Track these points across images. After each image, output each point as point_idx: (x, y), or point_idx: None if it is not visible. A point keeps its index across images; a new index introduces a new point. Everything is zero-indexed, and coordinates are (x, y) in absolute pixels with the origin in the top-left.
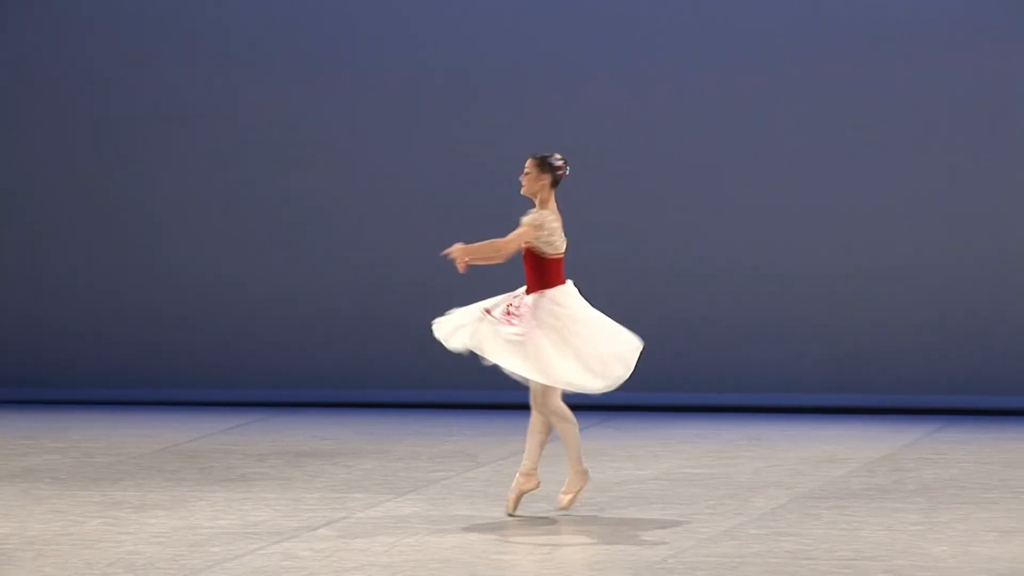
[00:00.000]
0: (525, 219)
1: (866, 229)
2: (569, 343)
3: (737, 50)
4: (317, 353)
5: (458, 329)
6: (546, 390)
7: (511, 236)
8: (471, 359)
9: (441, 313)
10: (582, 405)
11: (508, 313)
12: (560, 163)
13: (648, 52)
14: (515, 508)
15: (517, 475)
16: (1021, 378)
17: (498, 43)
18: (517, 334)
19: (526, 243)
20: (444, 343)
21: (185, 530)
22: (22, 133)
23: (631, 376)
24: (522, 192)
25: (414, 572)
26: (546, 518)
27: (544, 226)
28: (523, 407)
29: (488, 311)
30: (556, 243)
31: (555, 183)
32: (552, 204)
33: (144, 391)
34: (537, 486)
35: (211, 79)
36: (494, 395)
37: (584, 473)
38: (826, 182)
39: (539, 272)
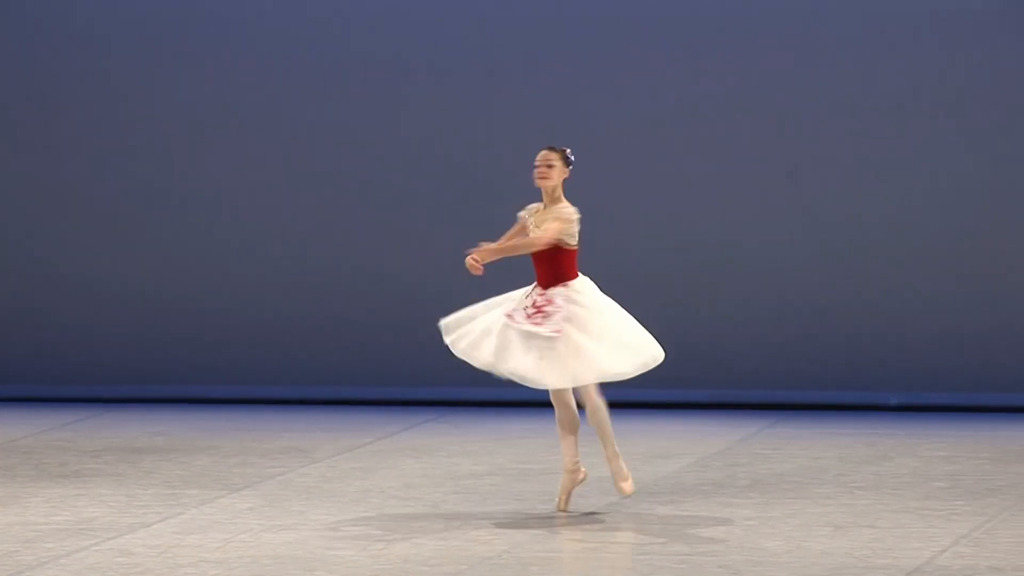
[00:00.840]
0: (560, 214)
1: (704, 222)
2: (602, 332)
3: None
4: (152, 348)
5: (481, 341)
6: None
7: (550, 232)
8: (299, 352)
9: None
10: (419, 401)
11: (537, 311)
12: (571, 156)
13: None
14: (566, 505)
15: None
16: (854, 373)
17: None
18: (553, 331)
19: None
20: (466, 358)
21: (20, 526)
22: None
23: (469, 371)
24: (544, 184)
25: (248, 568)
26: (381, 515)
27: (575, 220)
28: (362, 403)
29: (510, 316)
30: (576, 235)
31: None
32: (563, 197)
33: None
34: (585, 477)
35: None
36: (329, 391)
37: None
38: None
39: (557, 266)
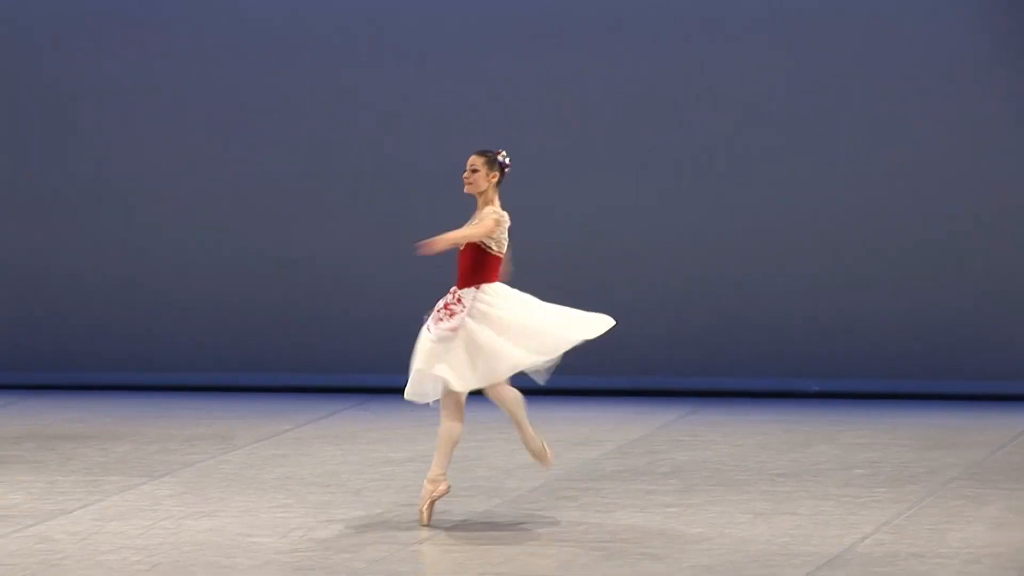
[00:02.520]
0: (489, 213)
1: (619, 206)
2: (506, 327)
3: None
4: (69, 333)
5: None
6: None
7: (480, 227)
8: (220, 339)
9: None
10: (339, 388)
11: (446, 309)
12: (507, 160)
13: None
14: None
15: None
16: (774, 359)
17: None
18: (450, 328)
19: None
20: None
21: None
22: None
23: (389, 358)
24: (468, 191)
25: (169, 555)
26: (301, 502)
27: (503, 224)
28: (282, 390)
29: (427, 327)
30: (503, 242)
31: (500, 180)
32: (498, 202)
33: None
34: (447, 490)
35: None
36: (250, 378)
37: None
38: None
39: (478, 268)
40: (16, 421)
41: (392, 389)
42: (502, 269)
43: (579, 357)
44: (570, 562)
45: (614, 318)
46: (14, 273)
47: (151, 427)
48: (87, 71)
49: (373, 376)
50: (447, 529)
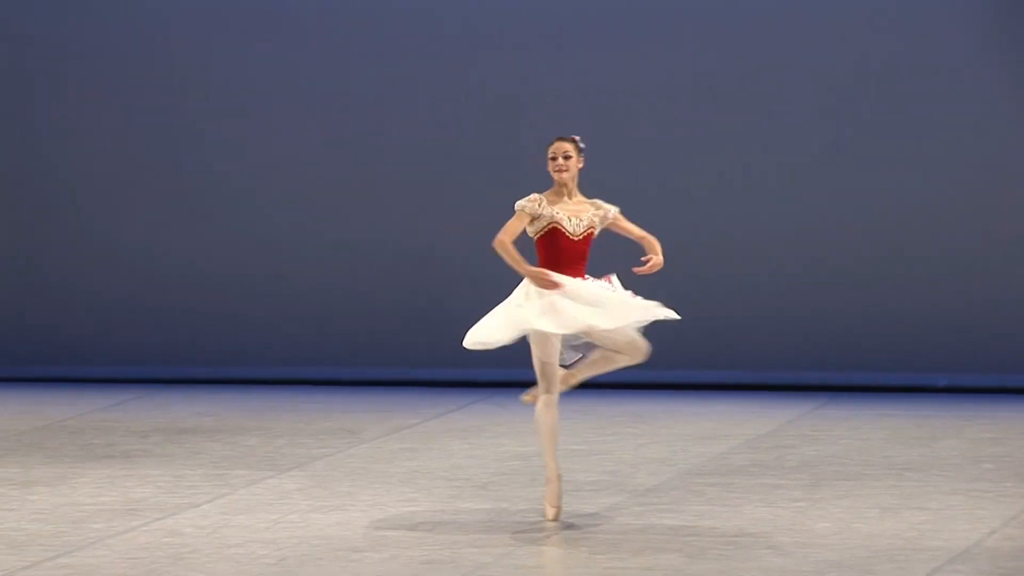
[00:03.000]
0: (606, 205)
1: (735, 202)
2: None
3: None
4: (199, 328)
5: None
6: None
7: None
8: (348, 333)
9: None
10: (461, 381)
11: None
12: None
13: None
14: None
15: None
16: (902, 355)
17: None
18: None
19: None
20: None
21: (67, 507)
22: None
23: (516, 352)
24: (563, 177)
25: (296, 548)
26: (428, 496)
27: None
28: (411, 384)
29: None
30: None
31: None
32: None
33: (27, 368)
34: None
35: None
36: (378, 372)
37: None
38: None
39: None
40: (144, 415)
41: (519, 383)
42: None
43: (709, 352)
44: (697, 556)
45: (745, 313)
46: (154, 271)
47: (279, 421)
48: (219, 67)
49: (500, 370)
50: (573, 523)
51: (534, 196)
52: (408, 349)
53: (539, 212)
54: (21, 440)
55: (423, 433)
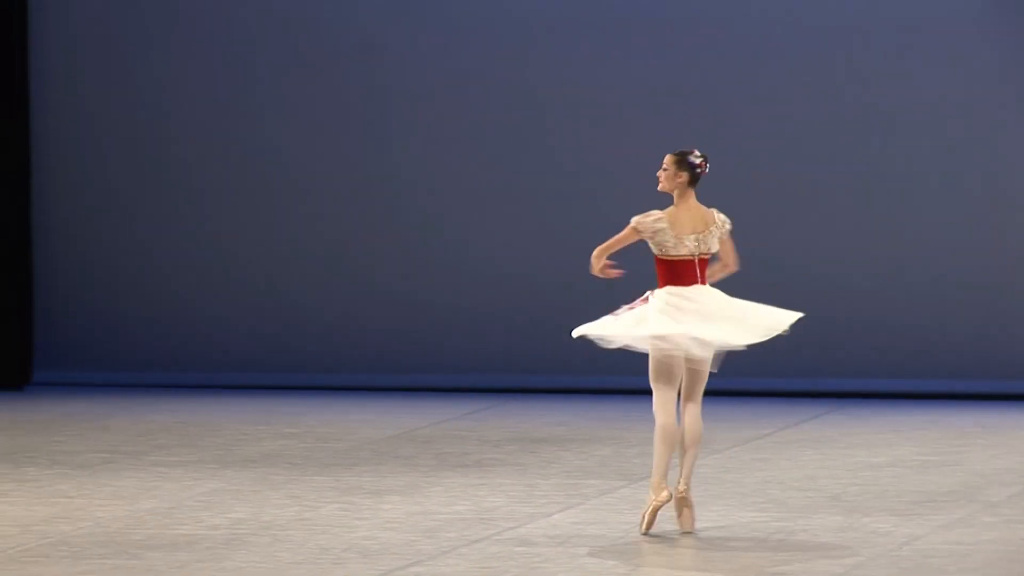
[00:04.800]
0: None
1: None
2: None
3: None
4: (547, 338)
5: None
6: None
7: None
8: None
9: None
10: (809, 392)
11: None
12: (699, 160)
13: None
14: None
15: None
16: None
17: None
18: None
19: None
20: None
21: (420, 516)
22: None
23: (883, 361)
24: (660, 189)
25: (648, 559)
26: (780, 506)
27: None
28: (760, 394)
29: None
30: (665, 244)
31: (693, 181)
32: (689, 202)
33: (385, 377)
34: (670, 497)
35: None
36: (727, 382)
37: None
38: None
39: (660, 271)
40: (499, 424)
41: (870, 394)
42: (694, 270)
43: None
44: None
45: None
46: (503, 285)
47: (632, 431)
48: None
49: (850, 380)
50: (927, 535)
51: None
52: (766, 357)
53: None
54: (374, 449)
55: (775, 443)
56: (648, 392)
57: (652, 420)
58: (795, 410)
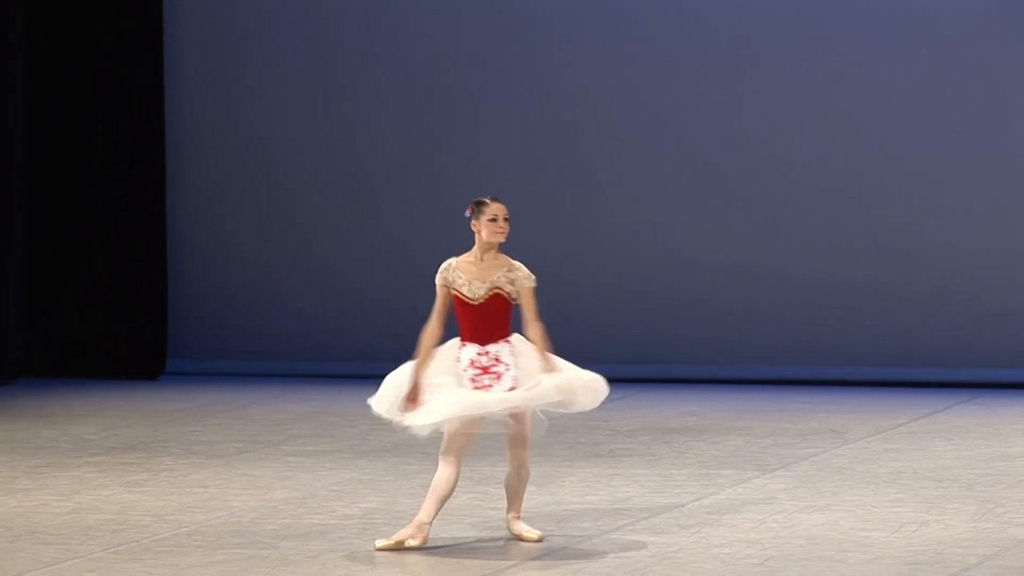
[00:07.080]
0: (529, 279)
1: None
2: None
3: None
4: (669, 329)
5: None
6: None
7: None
8: (821, 330)
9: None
10: (952, 383)
11: (484, 372)
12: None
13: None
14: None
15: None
16: None
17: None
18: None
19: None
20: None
21: (554, 506)
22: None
23: (1000, 352)
24: (502, 240)
25: (781, 549)
26: (914, 497)
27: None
28: (894, 384)
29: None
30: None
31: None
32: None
33: None
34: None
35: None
36: (860, 372)
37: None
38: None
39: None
40: (632, 414)
41: (1005, 384)
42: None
43: None
44: None
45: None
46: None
47: (764, 421)
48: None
49: (986, 371)
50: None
51: (451, 262)
52: (874, 348)
53: (456, 284)
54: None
55: (908, 433)
56: (770, 383)
57: (779, 411)
58: (929, 400)
